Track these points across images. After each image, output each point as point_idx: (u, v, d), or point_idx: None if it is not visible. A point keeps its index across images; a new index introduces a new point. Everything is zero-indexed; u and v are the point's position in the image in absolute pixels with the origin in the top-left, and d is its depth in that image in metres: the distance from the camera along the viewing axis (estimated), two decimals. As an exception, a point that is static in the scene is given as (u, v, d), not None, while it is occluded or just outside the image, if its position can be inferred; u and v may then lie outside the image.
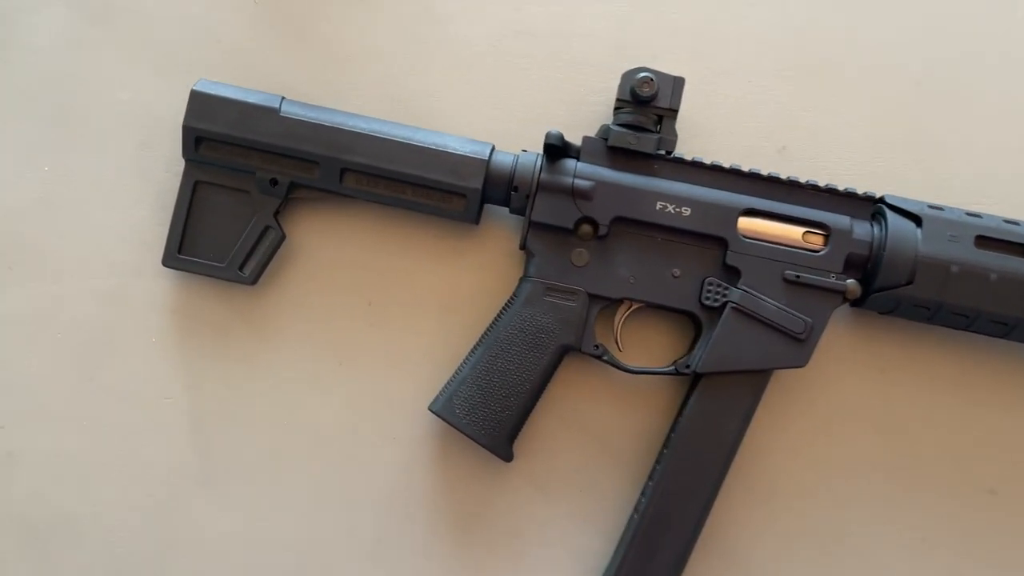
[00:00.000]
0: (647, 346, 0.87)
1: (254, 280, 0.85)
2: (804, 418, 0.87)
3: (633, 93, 0.82)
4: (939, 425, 0.87)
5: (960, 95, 0.91)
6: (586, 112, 0.91)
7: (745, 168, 0.83)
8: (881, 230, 0.81)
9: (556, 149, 0.82)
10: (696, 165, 0.83)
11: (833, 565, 0.85)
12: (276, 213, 0.85)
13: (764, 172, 0.83)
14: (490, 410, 0.81)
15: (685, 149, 0.90)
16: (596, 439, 0.86)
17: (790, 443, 0.86)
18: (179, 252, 0.85)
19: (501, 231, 0.88)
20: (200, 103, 0.83)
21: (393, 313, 0.88)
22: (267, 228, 0.85)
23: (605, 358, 0.83)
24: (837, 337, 0.88)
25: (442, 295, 0.88)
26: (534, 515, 0.85)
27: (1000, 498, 0.86)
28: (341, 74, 0.90)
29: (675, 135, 0.84)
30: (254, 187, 0.84)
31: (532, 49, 0.91)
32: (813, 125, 0.91)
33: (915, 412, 0.87)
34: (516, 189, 0.82)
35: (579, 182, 0.82)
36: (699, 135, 0.91)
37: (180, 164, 0.85)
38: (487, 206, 0.88)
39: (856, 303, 0.83)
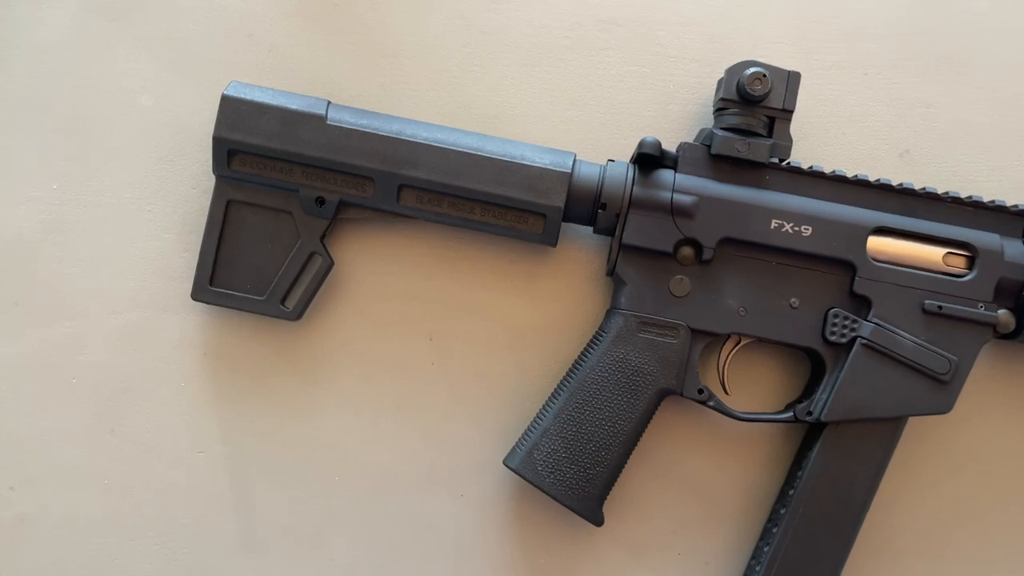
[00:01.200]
0: (754, 388, 0.75)
1: (299, 315, 0.73)
2: (941, 468, 0.75)
3: (741, 91, 0.70)
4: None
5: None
6: (677, 112, 0.78)
7: (872, 178, 0.71)
8: (1037, 251, 0.69)
9: (651, 159, 0.70)
10: (815, 175, 0.71)
11: (975, 639, 0.73)
12: (323, 237, 0.73)
13: (895, 183, 0.71)
14: (578, 467, 0.69)
15: (795, 156, 0.77)
16: (696, 495, 0.75)
17: (923, 497, 0.74)
18: (211, 284, 0.73)
19: (581, 252, 0.76)
20: (232, 110, 0.71)
21: (457, 349, 0.76)
22: (312, 254, 0.73)
23: (711, 403, 0.71)
24: (982, 372, 0.75)
25: (513, 328, 0.76)
26: (627, 584, 0.74)
27: None
28: (392, 73, 0.78)
29: (790, 140, 0.72)
30: (297, 207, 0.73)
31: (614, 39, 0.78)
32: (940, 125, 0.78)
33: (1070, 459, 0.75)
34: (604, 207, 0.70)
35: (679, 197, 0.70)
36: (807, 138, 0.78)
37: (210, 181, 0.74)
38: (565, 224, 0.75)
39: (1008, 336, 0.71)
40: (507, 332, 0.76)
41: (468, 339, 0.76)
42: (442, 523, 0.75)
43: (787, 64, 0.73)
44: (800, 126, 0.78)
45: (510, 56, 0.78)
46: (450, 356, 0.76)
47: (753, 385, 0.75)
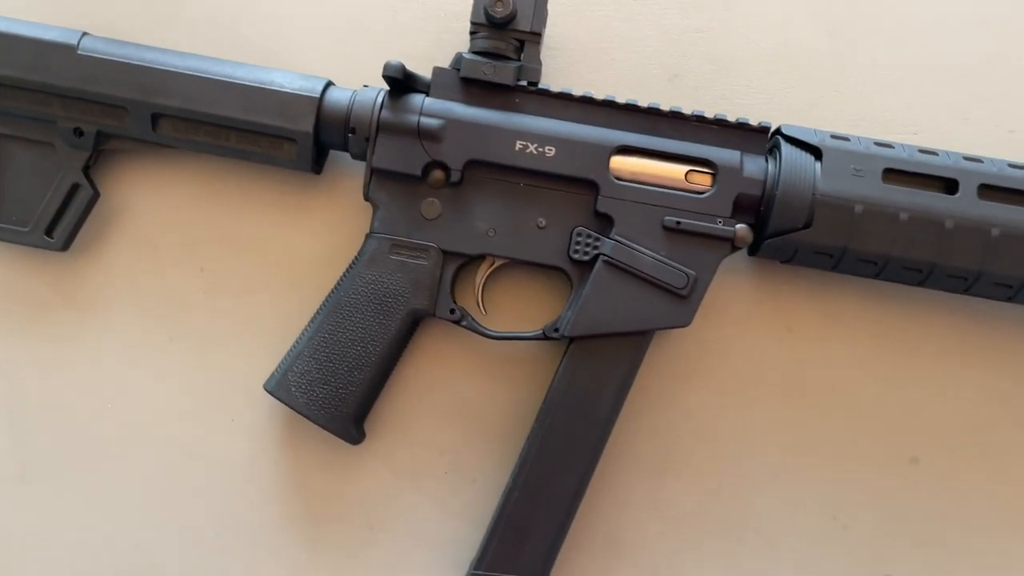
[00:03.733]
0: (519, 309, 0.76)
1: (64, 246, 0.74)
2: (699, 384, 0.76)
3: (487, 15, 0.70)
4: (855, 388, 0.76)
5: (875, 12, 0.79)
6: (452, 41, 0.79)
7: (622, 100, 0.72)
8: (776, 166, 0.70)
9: (398, 82, 0.70)
10: (564, 97, 0.72)
11: (733, 550, 0.75)
12: (86, 168, 0.74)
13: (643, 104, 0.71)
14: (330, 387, 0.70)
15: (564, 81, 0.78)
16: (463, 416, 0.76)
17: (683, 413, 0.76)
18: (-23, 216, 0.74)
19: (352, 181, 0.77)
20: (-12, 43, 0.71)
21: (229, 280, 0.77)
22: (76, 186, 0.74)
23: (464, 323, 0.72)
24: (737, 290, 0.77)
25: (285, 257, 0.77)
26: (394, 504, 0.75)
27: (922, 467, 0.75)
28: (167, 8, 0.79)
29: (539, 63, 0.73)
30: (58, 139, 0.73)
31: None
32: (711, 50, 0.79)
33: (828, 374, 0.76)
34: (354, 131, 0.71)
35: (426, 120, 0.71)
36: (579, 63, 0.79)
37: (-29, 114, 0.74)
38: (334, 153, 0.76)
39: (751, 251, 0.72)
40: (279, 261, 0.77)
41: (240, 269, 0.77)
42: (215, 450, 0.76)
43: None
44: (573, 52, 0.79)
45: (280, -12, 0.79)
46: (222, 286, 0.77)
47: (518, 307, 0.76)
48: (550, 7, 0.76)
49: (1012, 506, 0.75)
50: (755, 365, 0.76)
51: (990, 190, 0.68)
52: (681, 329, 0.72)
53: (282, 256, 0.77)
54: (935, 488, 0.75)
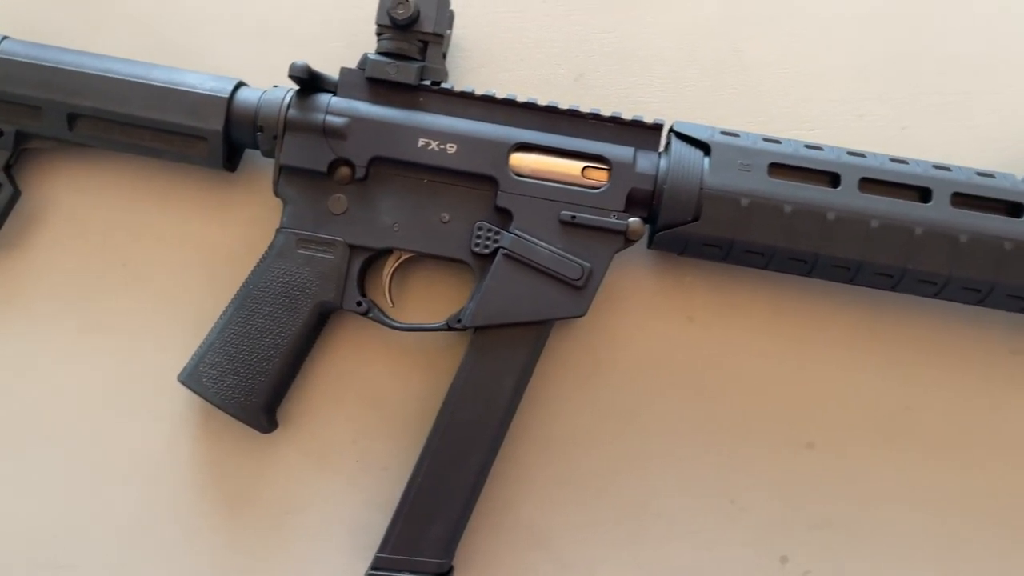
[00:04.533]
0: (428, 301, 0.79)
1: (-14, 242, 0.77)
2: (603, 372, 0.79)
3: (390, 17, 0.73)
4: (754, 375, 0.79)
5: (773, 12, 0.82)
6: (364, 42, 0.81)
7: (521, 99, 0.74)
8: (667, 162, 0.72)
9: (305, 82, 0.73)
10: (465, 96, 0.74)
11: (636, 532, 0.77)
12: (7, 167, 0.76)
13: (541, 102, 0.74)
14: (240, 377, 0.73)
15: (474, 81, 0.81)
16: (375, 405, 0.79)
17: (588, 401, 0.79)
18: (-100, 215, 0.76)
19: (268, 178, 0.80)
20: (-90, 46, 0.74)
21: (151, 275, 0.80)
22: (-4, 185, 0.76)
23: (371, 315, 0.75)
24: (640, 281, 0.80)
25: (203, 252, 0.80)
26: (308, 490, 0.78)
27: (818, 452, 0.78)
28: (92, 13, 0.81)
29: (442, 63, 0.75)
30: (-21, 139, 0.76)
31: (299, -25, 0.82)
32: (616, 50, 0.82)
33: (727, 362, 0.79)
34: (262, 129, 0.74)
35: (331, 119, 0.73)
36: (488, 64, 0.82)
37: None
38: (249, 152, 0.79)
39: (649, 244, 0.75)
40: (199, 256, 0.80)
41: (160, 264, 0.80)
42: (134, 440, 0.78)
43: None
44: (483, 53, 0.82)
45: (198, -8, 0.82)
46: (144, 281, 0.79)
47: (427, 299, 0.79)
48: (462, 10, 0.80)
49: (902, 487, 0.77)
50: (657, 353, 0.79)
51: (871, 183, 0.71)
52: (584, 319, 0.75)
53: (200, 251, 0.80)
54: (830, 472, 0.78)
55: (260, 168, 0.80)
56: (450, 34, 0.78)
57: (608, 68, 0.82)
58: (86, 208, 0.80)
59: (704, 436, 0.78)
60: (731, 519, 0.77)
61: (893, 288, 0.73)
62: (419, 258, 0.76)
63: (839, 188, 0.71)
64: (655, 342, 0.79)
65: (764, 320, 0.79)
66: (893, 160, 0.72)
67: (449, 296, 0.79)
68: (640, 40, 0.82)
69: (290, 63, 0.72)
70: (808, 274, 0.73)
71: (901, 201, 0.70)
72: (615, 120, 0.74)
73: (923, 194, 0.71)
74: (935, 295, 0.73)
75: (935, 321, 0.79)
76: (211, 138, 0.74)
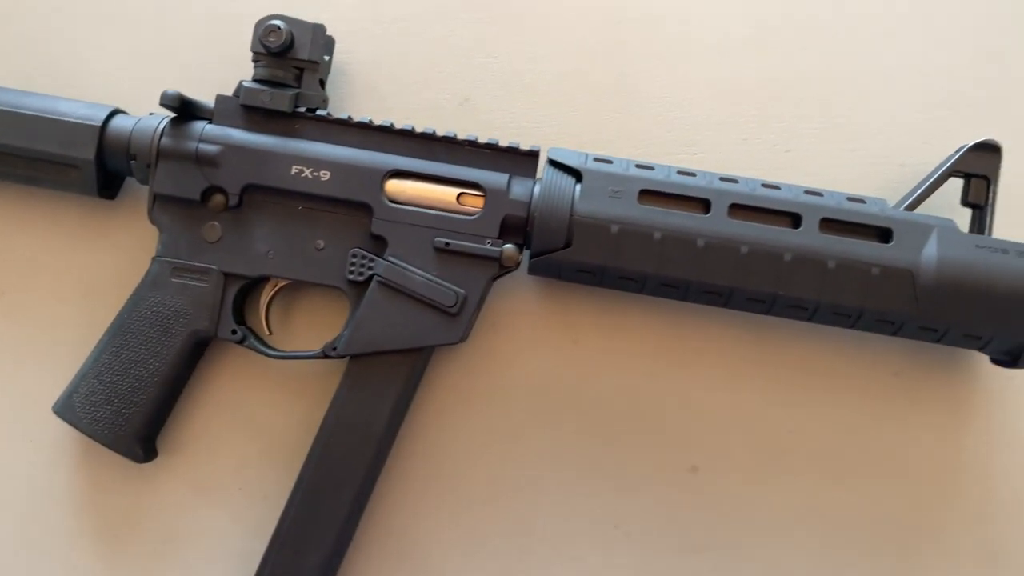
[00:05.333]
0: (310, 328, 0.79)
1: None
2: (488, 397, 0.79)
3: (263, 44, 0.73)
4: (638, 398, 0.79)
5: (657, 37, 0.83)
6: (250, 70, 0.81)
7: (398, 125, 0.74)
8: (541, 188, 0.72)
9: (178, 110, 0.73)
10: (341, 123, 0.74)
11: (522, 557, 0.77)
12: None
13: (417, 129, 0.74)
14: (114, 407, 0.73)
15: (357, 106, 0.81)
16: (256, 433, 0.78)
17: (474, 425, 0.78)
18: None
19: (144, 206, 0.79)
20: None
21: (30, 303, 0.79)
22: None
23: (246, 343, 0.74)
24: (524, 305, 0.80)
25: (83, 280, 0.79)
26: (189, 519, 0.77)
27: (702, 475, 0.78)
28: (-29, 36, 0.81)
29: (319, 89, 0.75)
30: None
31: (184, 4, 0.81)
32: (501, 74, 0.82)
33: (612, 385, 0.79)
34: (135, 157, 0.73)
35: (204, 147, 0.73)
36: (373, 91, 0.82)
37: None
38: (129, 179, 0.78)
39: (531, 270, 0.75)
40: (78, 284, 0.79)
41: (38, 292, 0.79)
42: (11, 469, 0.77)
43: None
44: (367, 77, 0.82)
45: (91, 18, 0.81)
46: (23, 309, 0.79)
47: (307, 326, 0.79)
48: (343, 35, 0.80)
49: (785, 509, 0.77)
50: (542, 376, 0.79)
51: (741, 209, 0.71)
52: (468, 344, 0.75)
53: (79, 279, 0.79)
54: (714, 495, 0.78)
55: (141, 196, 0.80)
56: (329, 60, 0.77)
57: (494, 92, 0.82)
58: (-37, 236, 0.79)
59: (590, 459, 0.78)
60: (615, 545, 0.77)
61: (767, 312, 0.73)
62: (297, 285, 0.76)
63: (709, 214, 0.71)
64: (540, 365, 0.79)
65: (650, 343, 0.79)
66: (765, 185, 0.72)
67: (331, 323, 0.78)
68: (527, 64, 0.82)
69: (161, 92, 0.71)
70: (683, 299, 0.73)
71: (770, 227, 0.71)
72: (491, 147, 0.74)
73: (795, 219, 0.71)
74: (808, 319, 0.73)
75: (819, 343, 0.79)
76: (83, 166, 0.73)
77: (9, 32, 0.81)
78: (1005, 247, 0.70)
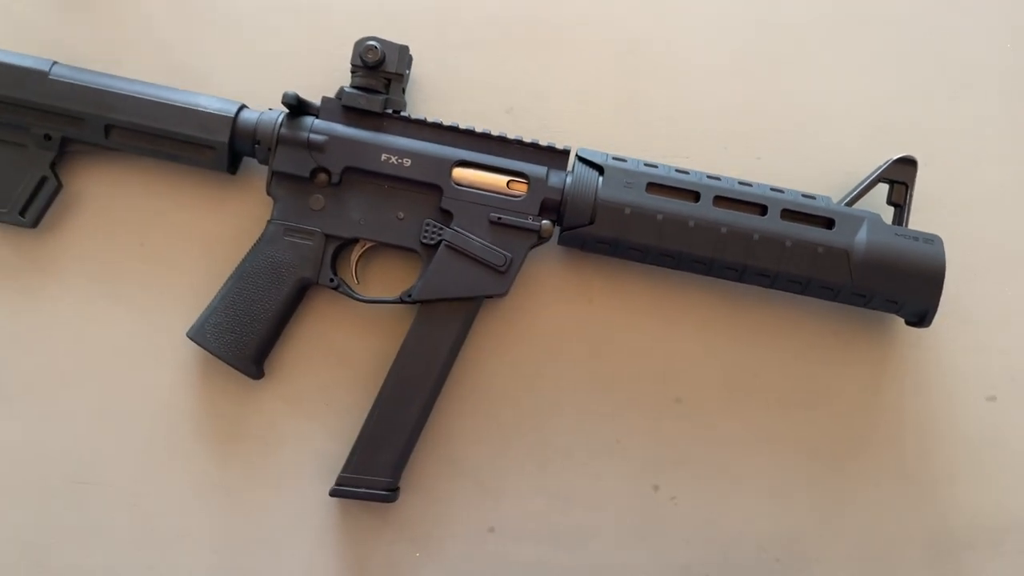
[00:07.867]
0: (385, 281, 1.01)
1: (34, 223, 0.97)
2: (521, 341, 1.01)
3: (362, 59, 0.95)
4: (637, 345, 1.02)
5: (659, 61, 1.06)
6: (342, 77, 1.03)
7: (462, 126, 0.97)
8: (572, 178, 0.95)
9: (293, 107, 0.94)
10: (418, 122, 0.96)
11: (541, 464, 0.99)
12: (52, 165, 0.96)
13: (478, 129, 0.97)
14: (236, 334, 0.94)
15: (425, 111, 1.03)
16: (341, 361, 1.00)
17: (508, 362, 1.01)
18: (-33, 200, 0.96)
19: (260, 181, 1.00)
20: (-21, 68, 0.94)
21: (164, 253, 1.00)
22: (44, 178, 0.96)
23: (340, 289, 0.96)
24: (551, 271, 1.02)
25: (207, 237, 1.00)
26: (286, 427, 0.99)
27: (685, 405, 1.01)
28: (119, 41, 1.02)
29: (401, 96, 0.97)
30: (31, 142, 0.95)
31: (293, 21, 1.04)
32: (536, 88, 1.05)
33: (617, 335, 1.02)
34: (259, 143, 0.95)
35: (314, 136, 0.95)
36: (439, 98, 1.04)
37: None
38: (246, 159, 1.00)
39: (559, 241, 0.97)
40: (201, 239, 1.00)
41: (171, 245, 1.00)
42: (147, 383, 0.98)
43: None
44: (433, 90, 1.04)
45: (217, 32, 1.03)
46: (157, 258, 1.00)
47: (385, 279, 1.00)
48: (421, 55, 1.02)
49: (748, 432, 1.01)
50: (563, 328, 1.01)
51: (723, 200, 0.95)
52: (506, 299, 0.97)
53: (202, 236, 1.00)
54: (693, 420, 1.01)
55: (254, 173, 1.01)
56: (408, 73, 0.99)
57: (532, 103, 1.04)
58: (114, 199, 1.00)
59: (596, 391, 1.01)
60: (615, 455, 1.00)
61: (739, 279, 0.96)
62: (379, 247, 0.98)
63: (698, 203, 0.94)
64: (561, 319, 1.02)
65: (646, 303, 1.02)
66: (740, 183, 0.96)
67: (401, 277, 1.00)
68: (555, 80, 1.05)
69: (283, 92, 0.93)
70: (676, 267, 0.96)
71: (744, 214, 0.94)
72: (533, 145, 0.97)
73: (762, 209, 0.95)
74: (770, 286, 0.96)
75: (777, 306, 1.03)
76: (219, 147, 0.95)
77: (154, 39, 1.02)
78: (916, 236, 0.94)
